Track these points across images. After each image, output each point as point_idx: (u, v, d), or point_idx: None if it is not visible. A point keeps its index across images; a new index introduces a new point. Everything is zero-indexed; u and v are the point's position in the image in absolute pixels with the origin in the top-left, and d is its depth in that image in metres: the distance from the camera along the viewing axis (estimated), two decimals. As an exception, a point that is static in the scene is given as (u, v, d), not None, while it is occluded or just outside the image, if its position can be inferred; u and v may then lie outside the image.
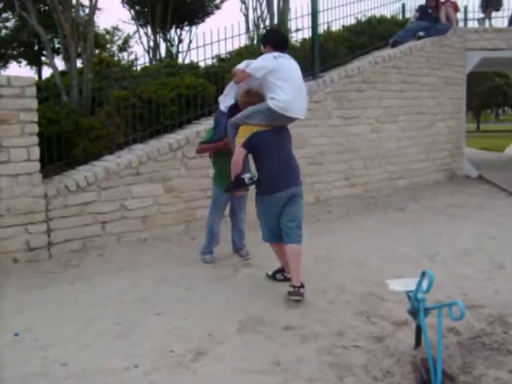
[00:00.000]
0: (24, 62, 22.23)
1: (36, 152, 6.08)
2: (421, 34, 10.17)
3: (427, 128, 10.29)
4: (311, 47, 8.91)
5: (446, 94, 10.66)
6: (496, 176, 11.21)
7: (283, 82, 4.74)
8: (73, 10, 8.42)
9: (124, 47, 25.89)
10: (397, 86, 9.67)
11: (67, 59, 8.55)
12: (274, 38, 5.18)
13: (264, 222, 4.95)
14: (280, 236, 4.90)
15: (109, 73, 9.05)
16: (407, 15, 12.58)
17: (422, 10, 10.74)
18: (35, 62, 21.46)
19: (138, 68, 10.00)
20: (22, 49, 20.97)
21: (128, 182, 6.72)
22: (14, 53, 21.63)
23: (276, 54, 4.91)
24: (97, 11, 21.29)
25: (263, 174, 4.83)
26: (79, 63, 9.68)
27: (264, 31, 5.53)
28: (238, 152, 4.79)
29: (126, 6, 17.64)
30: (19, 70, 23.77)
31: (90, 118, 7.18)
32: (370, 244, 6.47)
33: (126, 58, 23.23)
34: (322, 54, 9.04)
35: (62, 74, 9.25)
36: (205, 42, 8.44)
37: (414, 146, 10.04)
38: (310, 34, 8.99)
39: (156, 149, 6.91)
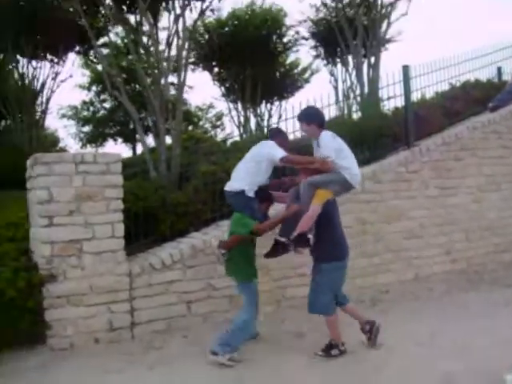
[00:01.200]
0: (120, 140, 23.21)
1: (120, 229, 5.95)
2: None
3: (533, 196, 9.53)
4: (404, 115, 8.53)
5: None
6: None
7: (350, 158, 5.18)
8: (162, 87, 8.50)
9: (217, 124, 26.46)
10: (497, 151, 9.05)
11: (157, 135, 8.59)
12: (319, 117, 5.40)
13: (333, 290, 5.21)
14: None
15: (197, 148, 9.02)
16: (504, 78, 11.99)
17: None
18: (130, 139, 22.32)
19: (229, 143, 9.99)
20: (118, 127, 21.91)
21: (214, 260, 6.45)
22: (111, 131, 22.61)
23: (329, 132, 5.25)
24: (187, 89, 22.24)
25: (330, 238, 5.15)
26: (168, 139, 9.77)
27: (305, 108, 5.62)
28: (316, 210, 5.01)
29: (216, 83, 18.15)
30: (116, 147, 24.75)
31: (176, 194, 7.04)
32: (477, 326, 5.81)
33: (218, 134, 23.73)
34: (415, 122, 8.62)
35: (153, 150, 9.33)
36: (294, 114, 8.25)
37: (518, 216, 9.28)
38: (403, 102, 8.62)
39: (243, 224, 6.64)
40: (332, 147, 5.08)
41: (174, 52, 8.91)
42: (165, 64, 8.56)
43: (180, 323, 6.24)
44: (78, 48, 15.61)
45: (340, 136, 7.89)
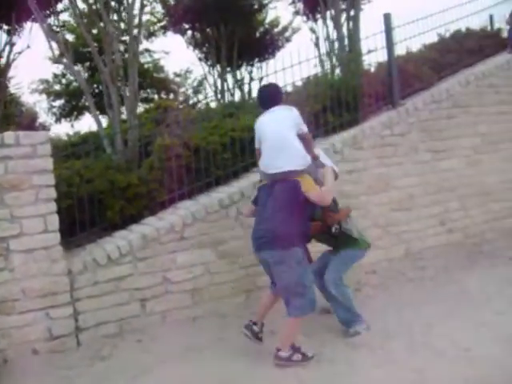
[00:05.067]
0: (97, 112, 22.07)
1: (54, 221, 5.02)
2: None
3: (535, 155, 8.61)
4: (388, 70, 7.55)
5: (555, 113, 8.95)
6: None
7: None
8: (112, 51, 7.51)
9: (198, 89, 25.42)
10: (494, 107, 8.10)
11: (110, 106, 7.62)
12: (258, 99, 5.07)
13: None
14: None
15: (161, 118, 8.03)
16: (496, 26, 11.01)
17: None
18: (106, 111, 21.20)
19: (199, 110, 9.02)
20: (93, 99, 20.74)
21: (171, 250, 5.55)
22: (86, 104, 21.50)
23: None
24: (164, 55, 21.06)
25: None
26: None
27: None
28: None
29: (190, 47, 17.07)
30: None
31: (126, 174, 6.09)
32: (478, 317, 4.95)
33: (201, 100, 22.61)
34: (401, 78, 7.65)
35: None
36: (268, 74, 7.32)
37: (521, 178, 8.38)
38: (386, 56, 7.62)
39: (203, 207, 5.73)
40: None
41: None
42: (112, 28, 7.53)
43: (134, 325, 5.36)
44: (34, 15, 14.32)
45: (315, 97, 7.01)
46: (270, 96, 4.98)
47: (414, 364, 4.13)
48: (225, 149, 6.48)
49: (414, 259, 6.94)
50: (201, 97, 22.47)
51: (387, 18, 7.43)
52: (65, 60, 7.99)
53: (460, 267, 6.63)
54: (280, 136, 4.63)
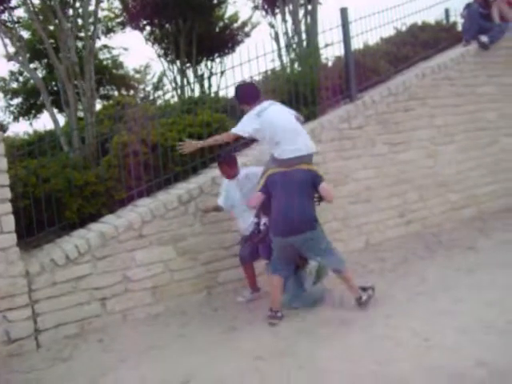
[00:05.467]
0: (55, 110, 21.67)
1: (10, 222, 4.93)
2: (484, 39, 8.64)
3: (490, 145, 8.74)
4: (345, 64, 7.59)
5: (508, 104, 9.11)
6: None
7: (278, 133, 5.08)
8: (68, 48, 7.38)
9: (158, 86, 25.17)
10: (450, 99, 8.22)
11: (66, 103, 7.50)
12: (246, 94, 5.39)
13: (276, 258, 5.14)
14: None
15: (119, 115, 7.92)
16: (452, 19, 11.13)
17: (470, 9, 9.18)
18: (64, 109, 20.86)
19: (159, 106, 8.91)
20: (51, 97, 20.39)
21: (130, 248, 5.51)
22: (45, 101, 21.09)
23: (256, 109, 5.16)
24: (123, 51, 20.78)
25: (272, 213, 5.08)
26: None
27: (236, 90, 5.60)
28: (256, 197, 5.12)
29: (149, 43, 16.85)
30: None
31: (83, 173, 6.01)
32: (437, 306, 5.03)
33: (162, 97, 22.36)
34: (359, 72, 7.71)
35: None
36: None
37: (476, 168, 8.50)
38: (343, 50, 7.66)
39: (162, 204, 5.69)
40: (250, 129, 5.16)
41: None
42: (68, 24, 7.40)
43: (95, 324, 5.32)
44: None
45: (273, 92, 7.01)
46: (258, 91, 5.46)
47: (375, 356, 4.16)
48: (183, 145, 6.44)
49: (373, 251, 7.01)
50: (160, 93, 22.27)
51: (344, 12, 7.46)
52: (20, 58, 7.81)
53: (419, 258, 6.71)
54: (295, 122, 5.20)
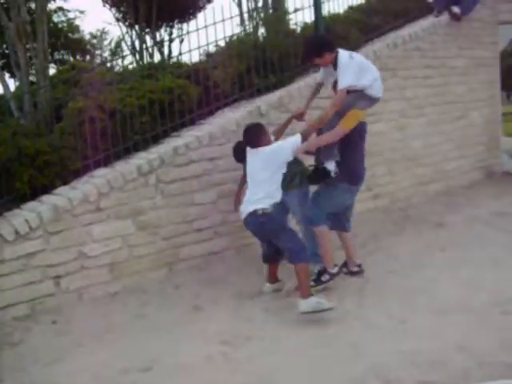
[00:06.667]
0: (7, 75, 20.82)
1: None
2: (456, 10, 8.39)
3: (459, 119, 8.59)
4: (315, 31, 7.25)
5: (478, 78, 8.94)
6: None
7: (369, 72, 4.98)
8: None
9: (116, 51, 24.48)
10: (421, 71, 7.99)
11: (17, 66, 6.99)
12: (325, 43, 4.99)
13: (327, 208, 5.04)
14: None
15: (74, 79, 7.43)
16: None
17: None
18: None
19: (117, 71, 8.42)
20: (2, 60, 19.58)
21: (86, 222, 5.12)
22: (-4, 65, 20.26)
23: (346, 54, 4.87)
24: (78, 14, 20.03)
25: (348, 161, 5.00)
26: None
27: (307, 43, 5.35)
28: (338, 133, 4.82)
29: (107, 6, 16.20)
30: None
31: (35, 140, 5.56)
32: (411, 286, 4.84)
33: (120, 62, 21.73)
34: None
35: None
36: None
37: (445, 143, 8.34)
38: (313, 16, 7.32)
39: (121, 175, 5.31)
40: (352, 72, 4.77)
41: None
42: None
43: (48, 304, 4.94)
44: None
45: (239, 58, 6.64)
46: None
47: (349, 338, 3.93)
48: (143, 112, 6.05)
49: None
50: (118, 59, 21.61)
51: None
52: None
53: (388, 233, 6.54)
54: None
